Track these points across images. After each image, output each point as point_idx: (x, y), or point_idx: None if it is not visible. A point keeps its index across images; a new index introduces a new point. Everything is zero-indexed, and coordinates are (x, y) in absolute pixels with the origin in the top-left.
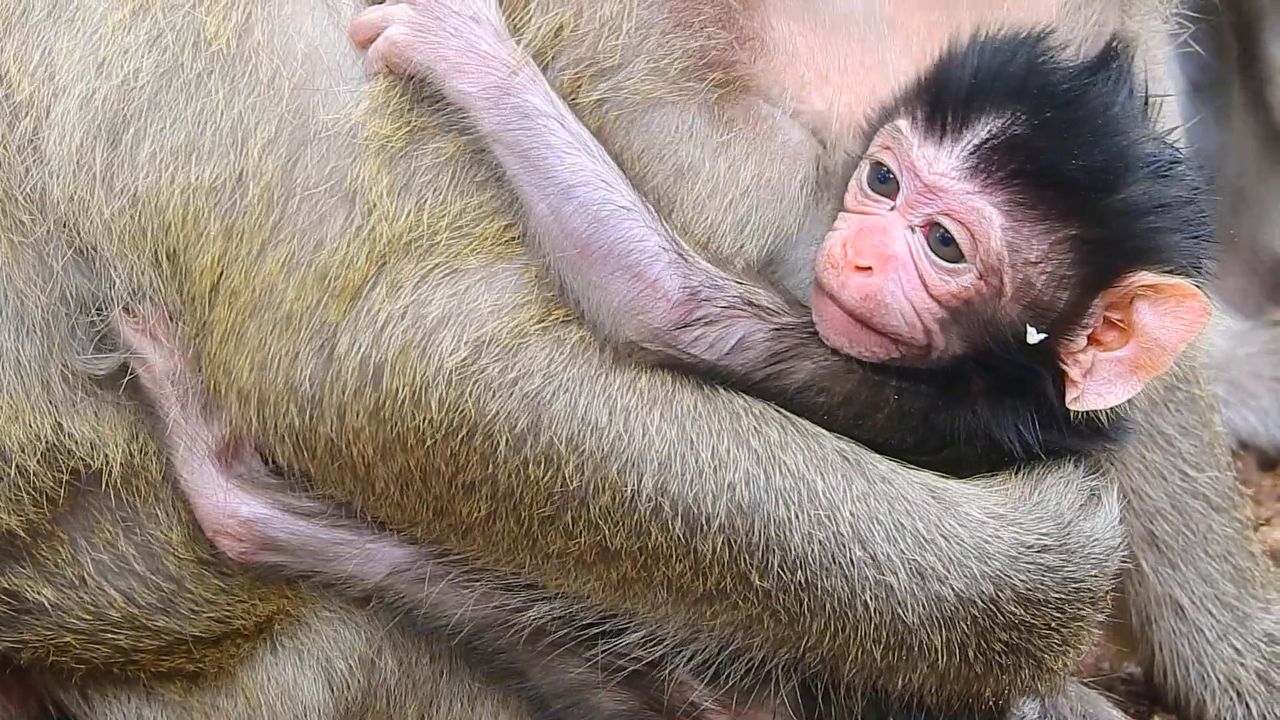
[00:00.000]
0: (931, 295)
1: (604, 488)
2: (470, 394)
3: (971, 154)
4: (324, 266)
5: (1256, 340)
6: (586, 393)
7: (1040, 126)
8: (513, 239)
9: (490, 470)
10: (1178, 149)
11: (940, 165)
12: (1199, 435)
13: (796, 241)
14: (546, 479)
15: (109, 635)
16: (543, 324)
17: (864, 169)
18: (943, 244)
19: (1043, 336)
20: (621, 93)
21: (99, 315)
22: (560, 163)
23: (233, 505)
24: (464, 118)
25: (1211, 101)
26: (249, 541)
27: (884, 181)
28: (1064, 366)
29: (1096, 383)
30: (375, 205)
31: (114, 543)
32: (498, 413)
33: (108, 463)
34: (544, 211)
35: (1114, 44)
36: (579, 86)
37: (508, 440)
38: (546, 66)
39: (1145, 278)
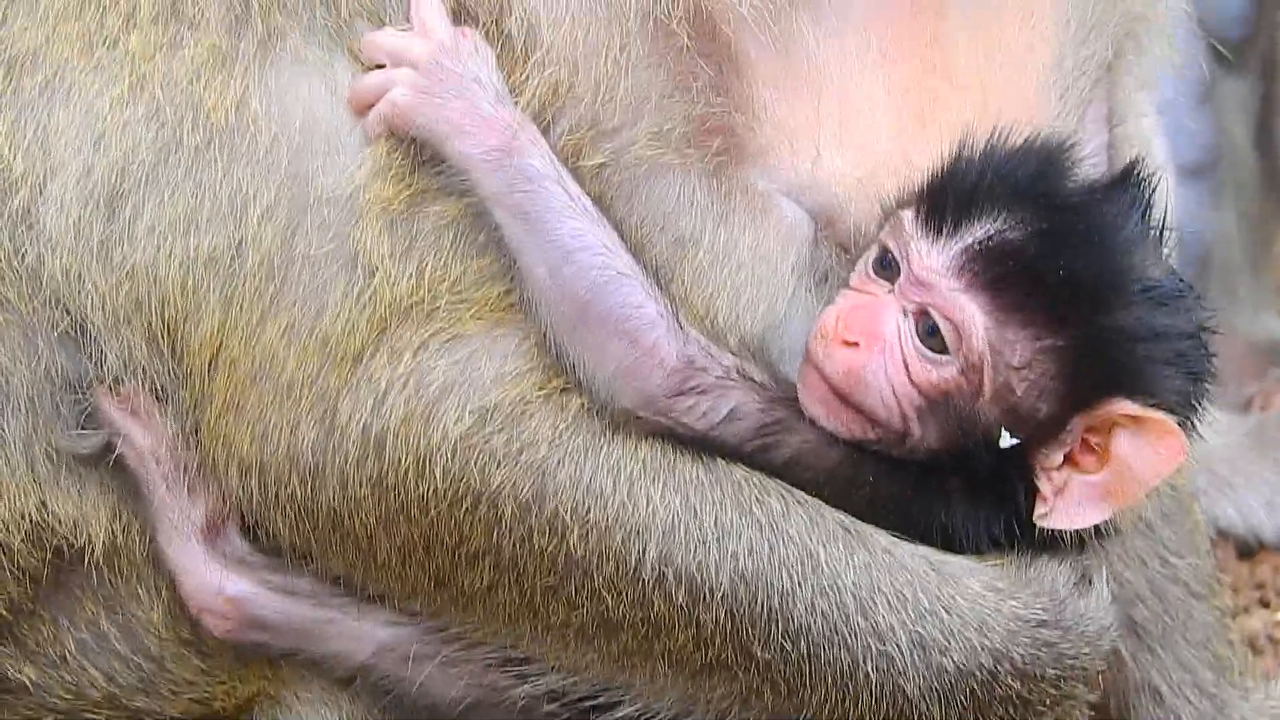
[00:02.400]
0: (913, 382)
1: (608, 557)
2: (475, 464)
3: (962, 254)
4: (325, 333)
5: (1235, 431)
6: (591, 462)
7: (1036, 234)
8: (512, 304)
9: (494, 540)
10: (1187, 283)
11: (931, 260)
12: (1179, 523)
13: (788, 320)
14: (551, 548)
15: (89, 715)
16: (545, 391)
17: (872, 251)
18: (929, 334)
19: (1015, 443)
20: (624, 156)
21: (84, 393)
22: (561, 226)
23: (219, 583)
24: (465, 180)
25: (1205, 183)
26: (234, 620)
27: (886, 266)
28: (1037, 481)
29: (1067, 503)
30: (377, 269)
31: (95, 621)
32: (503, 482)
33: (90, 541)
34: (543, 275)
35: (1136, 167)
36: (580, 150)
37: (513, 510)
38: (547, 128)
39: (1127, 407)
